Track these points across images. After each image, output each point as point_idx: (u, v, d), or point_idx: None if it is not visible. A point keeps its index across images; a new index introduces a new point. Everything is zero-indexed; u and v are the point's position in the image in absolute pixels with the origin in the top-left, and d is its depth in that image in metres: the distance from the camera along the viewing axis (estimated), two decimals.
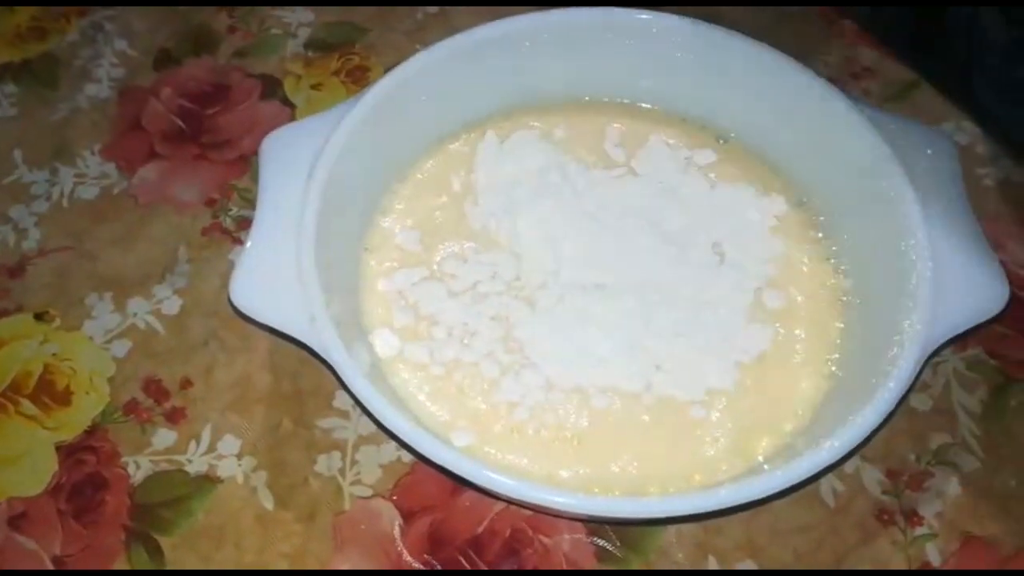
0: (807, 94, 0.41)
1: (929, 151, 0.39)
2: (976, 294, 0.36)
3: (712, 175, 0.44)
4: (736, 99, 0.44)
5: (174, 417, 0.42)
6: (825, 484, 0.40)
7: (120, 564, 0.38)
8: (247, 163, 0.49)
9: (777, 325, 0.40)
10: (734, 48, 0.42)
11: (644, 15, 0.43)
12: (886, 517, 0.39)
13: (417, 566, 0.38)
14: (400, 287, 0.41)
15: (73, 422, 0.41)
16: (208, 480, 0.40)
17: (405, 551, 0.38)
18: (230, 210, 0.48)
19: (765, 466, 0.36)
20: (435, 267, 0.42)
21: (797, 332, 0.40)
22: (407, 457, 0.40)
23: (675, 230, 0.43)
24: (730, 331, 0.40)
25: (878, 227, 0.39)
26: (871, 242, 0.40)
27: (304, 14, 0.56)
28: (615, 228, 0.42)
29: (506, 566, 0.38)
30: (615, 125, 0.46)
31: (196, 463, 0.40)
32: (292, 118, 0.51)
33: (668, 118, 0.46)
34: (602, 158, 0.45)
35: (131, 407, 0.42)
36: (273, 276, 0.36)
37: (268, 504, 0.39)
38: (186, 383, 0.43)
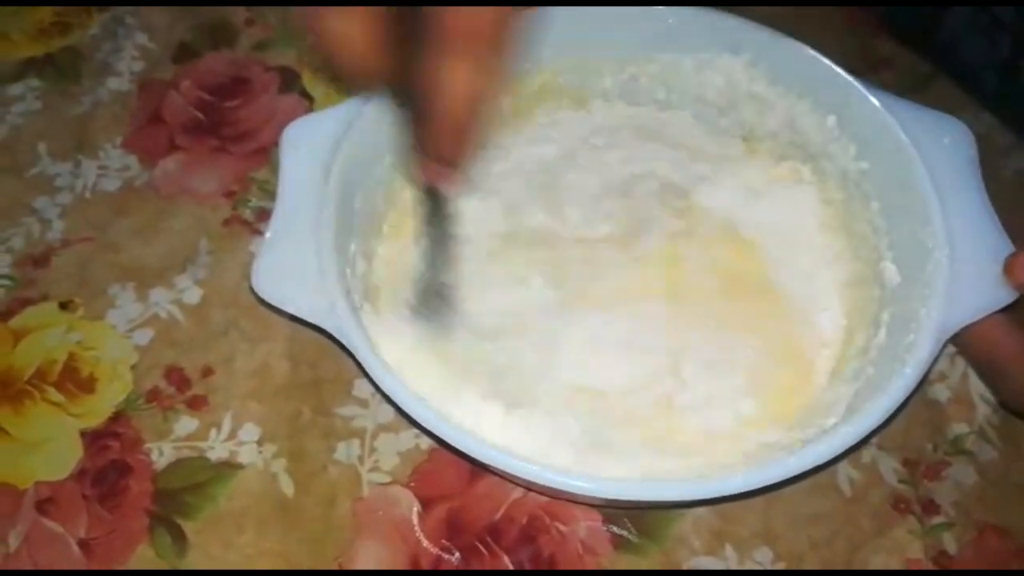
0: (824, 82, 0.41)
1: (946, 139, 0.39)
2: (992, 281, 0.36)
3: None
4: (754, 89, 0.44)
5: (196, 405, 0.42)
6: (842, 473, 0.40)
7: (144, 548, 0.39)
8: (266, 155, 0.50)
9: None
10: (752, 37, 0.42)
11: (660, 9, 0.43)
12: (903, 506, 0.39)
13: (435, 552, 0.38)
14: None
15: (97, 409, 0.42)
16: (229, 466, 0.41)
17: (423, 537, 0.39)
18: (250, 201, 0.48)
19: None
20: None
21: None
22: (425, 444, 0.41)
23: None
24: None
25: (894, 215, 0.39)
26: (887, 229, 0.40)
27: None
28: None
29: (523, 553, 0.38)
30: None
31: (217, 450, 0.41)
32: (310, 111, 0.52)
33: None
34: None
35: (153, 395, 0.42)
36: (294, 264, 0.36)
37: (288, 490, 0.40)
38: (207, 371, 0.43)
